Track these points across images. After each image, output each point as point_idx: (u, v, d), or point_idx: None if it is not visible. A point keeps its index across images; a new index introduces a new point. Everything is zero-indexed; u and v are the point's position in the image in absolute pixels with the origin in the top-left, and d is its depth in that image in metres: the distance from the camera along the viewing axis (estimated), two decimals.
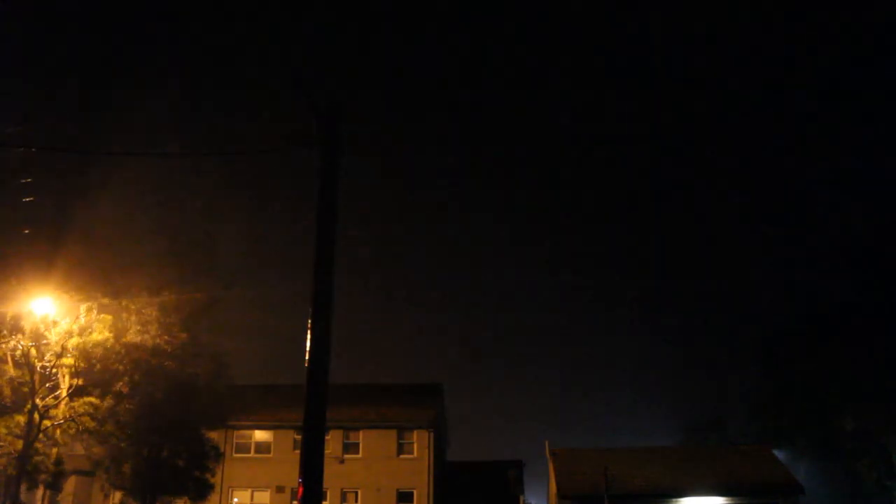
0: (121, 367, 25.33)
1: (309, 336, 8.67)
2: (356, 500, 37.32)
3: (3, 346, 23.13)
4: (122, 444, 25.93)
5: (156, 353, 25.90)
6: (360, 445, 37.95)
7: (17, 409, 23.72)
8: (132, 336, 25.95)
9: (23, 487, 23.74)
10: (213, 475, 28.52)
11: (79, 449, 28.21)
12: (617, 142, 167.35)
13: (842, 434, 37.56)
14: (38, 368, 23.79)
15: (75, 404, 24.24)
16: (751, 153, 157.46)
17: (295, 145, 9.54)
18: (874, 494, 40.32)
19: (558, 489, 34.44)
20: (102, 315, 24.53)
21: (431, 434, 38.08)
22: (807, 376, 38.64)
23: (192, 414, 26.79)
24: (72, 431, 24.84)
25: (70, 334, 23.92)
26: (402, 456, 37.82)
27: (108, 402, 24.88)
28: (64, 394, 24.26)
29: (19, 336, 23.19)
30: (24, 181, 21.62)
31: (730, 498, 33.11)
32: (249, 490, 37.74)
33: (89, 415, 24.35)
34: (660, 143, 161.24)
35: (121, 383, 25.20)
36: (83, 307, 24.19)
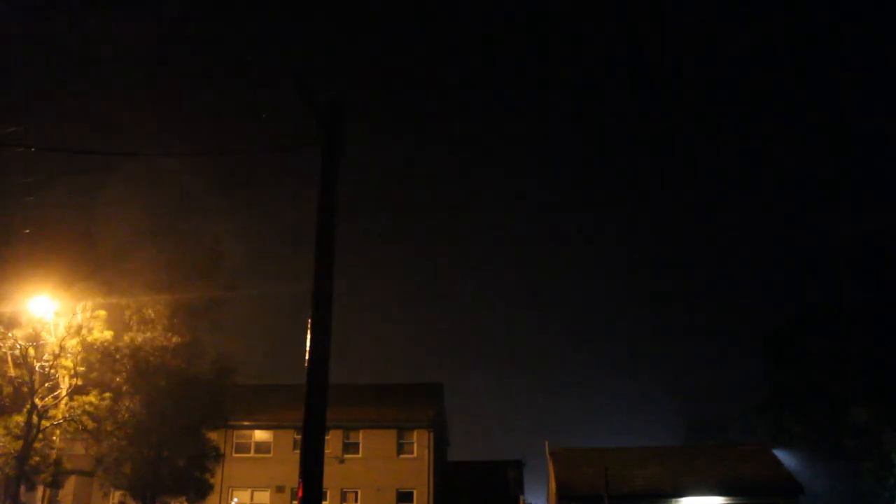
0: (121, 367, 25.33)
1: (309, 336, 8.65)
2: (356, 500, 37.30)
3: (2, 345, 23.13)
4: (122, 444, 25.92)
5: (157, 352, 25.92)
6: (360, 445, 37.94)
7: (17, 409, 23.72)
8: (133, 336, 25.98)
9: (22, 487, 23.73)
10: (212, 475, 28.50)
11: (79, 449, 28.19)
12: (616, 142, 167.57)
13: (844, 433, 37.50)
14: (37, 368, 23.78)
15: (74, 403, 24.23)
16: (753, 150, 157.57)
17: (295, 145, 9.54)
18: (876, 494, 40.28)
19: (558, 489, 34.39)
20: (98, 311, 24.54)
21: (431, 434, 38.07)
22: (808, 375, 38.59)
23: (192, 414, 26.77)
24: (71, 430, 24.84)
25: (68, 332, 23.91)
26: (402, 456, 37.80)
27: (108, 401, 24.86)
28: (63, 394, 24.24)
29: (17, 336, 23.17)
30: (24, 181, 21.62)
31: (730, 498, 33.06)
32: (249, 490, 37.71)
33: (88, 414, 24.35)
34: (662, 143, 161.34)
35: (124, 386, 25.18)
36: (80, 306, 24.19)
